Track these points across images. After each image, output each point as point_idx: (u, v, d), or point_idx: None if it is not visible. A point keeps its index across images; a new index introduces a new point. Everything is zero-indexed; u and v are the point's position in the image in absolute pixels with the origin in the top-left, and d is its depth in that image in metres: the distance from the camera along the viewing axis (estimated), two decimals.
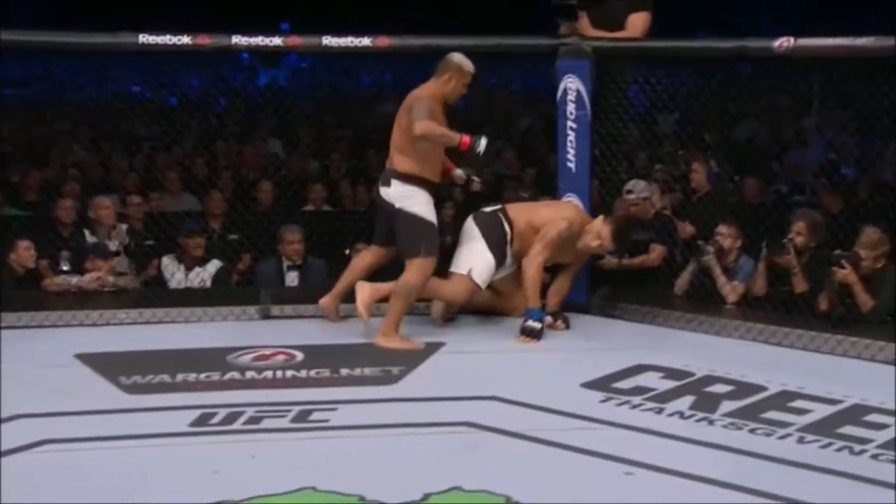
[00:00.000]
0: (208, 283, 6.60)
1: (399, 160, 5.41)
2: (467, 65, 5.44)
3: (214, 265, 6.69)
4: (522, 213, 5.71)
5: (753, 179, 6.95)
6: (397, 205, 5.38)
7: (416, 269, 5.32)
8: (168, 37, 5.75)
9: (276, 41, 5.94)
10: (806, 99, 5.49)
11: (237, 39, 5.85)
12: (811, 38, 5.30)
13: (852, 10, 12.27)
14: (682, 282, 6.23)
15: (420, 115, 5.22)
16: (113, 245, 6.61)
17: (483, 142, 5.28)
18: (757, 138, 6.94)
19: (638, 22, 6.07)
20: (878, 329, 5.34)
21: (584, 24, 6.06)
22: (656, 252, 6.43)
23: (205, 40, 5.81)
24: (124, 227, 6.80)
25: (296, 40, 6.01)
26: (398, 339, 5.29)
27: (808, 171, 6.81)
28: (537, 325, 5.45)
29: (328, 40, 5.92)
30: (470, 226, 5.69)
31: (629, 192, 6.45)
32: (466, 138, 5.27)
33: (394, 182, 5.40)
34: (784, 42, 5.34)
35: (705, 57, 5.74)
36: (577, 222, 5.60)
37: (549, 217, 5.60)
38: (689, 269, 6.20)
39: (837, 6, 12.92)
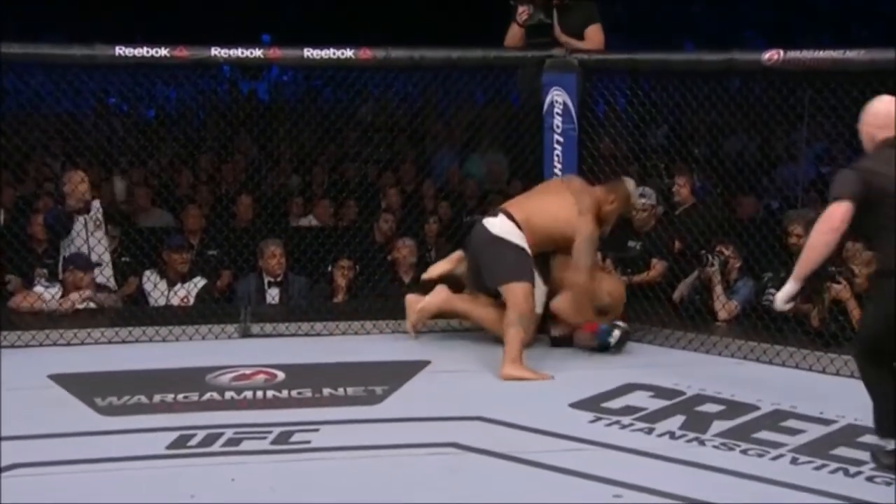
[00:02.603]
0: (192, 301, 6.48)
1: (519, 211, 5.35)
2: (635, 196, 5.67)
3: (198, 283, 6.55)
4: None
5: (750, 199, 6.89)
6: (497, 233, 5.29)
7: (519, 296, 5.18)
8: (145, 49, 5.67)
9: (257, 53, 5.86)
10: (795, 112, 5.45)
11: (216, 52, 5.77)
12: (800, 51, 5.27)
13: (838, 23, 12.32)
14: (683, 287, 6.15)
15: (586, 256, 5.32)
16: (91, 222, 6.44)
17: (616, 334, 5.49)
18: (746, 152, 6.91)
19: (596, 34, 6.10)
20: None
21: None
22: (657, 268, 6.36)
23: (182, 52, 5.72)
24: (97, 202, 6.62)
25: (276, 52, 5.93)
26: (526, 370, 5.09)
27: (798, 186, 6.78)
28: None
29: (309, 52, 5.84)
30: None
31: (641, 196, 6.40)
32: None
33: (502, 217, 5.34)
34: (773, 55, 5.31)
35: (693, 70, 5.70)
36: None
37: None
38: (692, 277, 6.13)
39: (823, 18, 12.97)
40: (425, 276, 5.81)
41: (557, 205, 5.40)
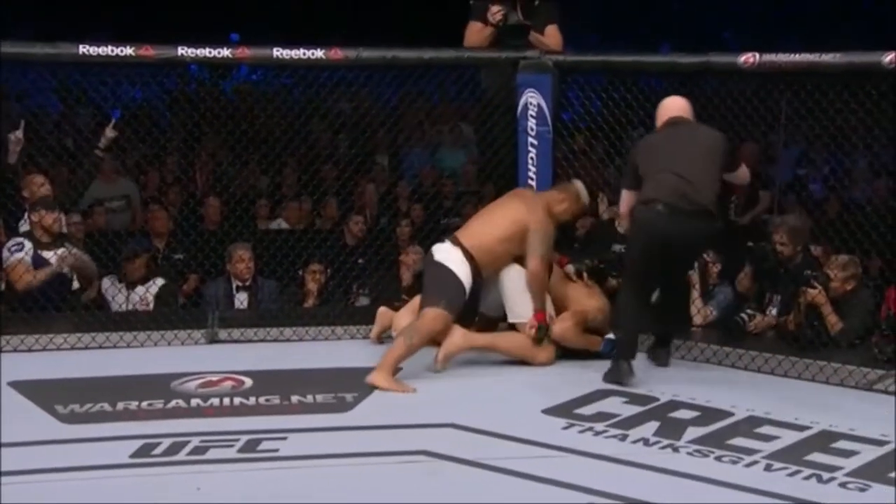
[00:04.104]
0: (150, 301, 6.37)
1: (468, 237, 5.27)
2: (584, 196, 5.55)
3: (157, 282, 6.45)
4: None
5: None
6: (437, 257, 5.24)
7: (430, 318, 5.09)
8: (110, 48, 5.58)
9: (225, 53, 5.77)
10: (772, 114, 5.44)
11: (183, 51, 5.68)
12: (776, 54, 5.27)
13: (819, 24, 12.33)
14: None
15: (539, 245, 5.21)
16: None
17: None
18: None
19: (556, 33, 6.08)
20: (847, 353, 5.29)
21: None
22: None
23: (149, 52, 5.62)
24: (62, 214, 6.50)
25: (245, 52, 5.84)
26: (391, 380, 4.95)
27: (776, 188, 6.78)
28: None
29: (279, 52, 5.76)
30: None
31: None
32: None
33: (449, 244, 5.27)
34: (749, 57, 5.30)
35: (668, 72, 5.67)
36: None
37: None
38: None
39: (804, 20, 12.99)
40: (395, 332, 5.49)
41: (505, 213, 5.36)
